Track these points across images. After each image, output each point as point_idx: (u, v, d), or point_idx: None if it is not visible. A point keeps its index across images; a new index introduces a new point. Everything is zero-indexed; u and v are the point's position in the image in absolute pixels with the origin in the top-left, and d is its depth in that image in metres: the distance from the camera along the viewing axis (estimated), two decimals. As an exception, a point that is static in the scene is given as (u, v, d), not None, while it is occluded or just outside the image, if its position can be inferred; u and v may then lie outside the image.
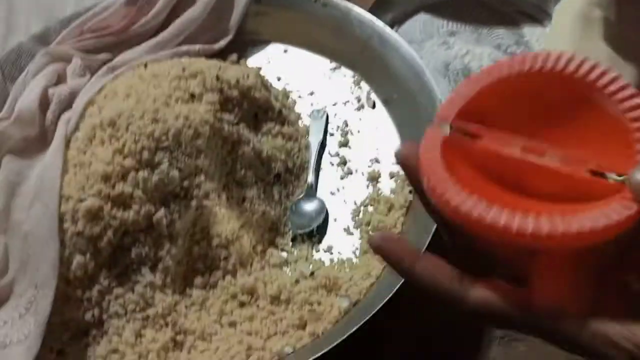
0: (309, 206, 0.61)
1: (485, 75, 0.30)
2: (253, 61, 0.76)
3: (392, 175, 0.63)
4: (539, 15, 0.81)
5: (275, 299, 0.54)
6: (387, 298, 0.47)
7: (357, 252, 0.58)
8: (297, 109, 0.70)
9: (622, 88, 0.27)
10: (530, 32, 0.80)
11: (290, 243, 0.60)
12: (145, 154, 0.52)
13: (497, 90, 0.29)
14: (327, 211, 0.61)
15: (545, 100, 0.29)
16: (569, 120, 0.29)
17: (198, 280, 0.54)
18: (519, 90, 0.29)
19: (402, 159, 0.30)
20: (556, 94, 0.29)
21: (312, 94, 0.72)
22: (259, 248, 0.58)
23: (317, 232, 0.60)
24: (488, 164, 0.28)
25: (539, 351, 0.55)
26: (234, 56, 0.74)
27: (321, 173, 0.65)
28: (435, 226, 0.50)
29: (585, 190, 0.27)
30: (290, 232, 0.60)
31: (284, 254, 0.59)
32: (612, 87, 0.27)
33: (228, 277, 0.54)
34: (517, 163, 0.28)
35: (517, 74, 0.29)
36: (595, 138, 0.28)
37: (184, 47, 0.71)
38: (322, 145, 0.67)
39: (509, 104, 0.29)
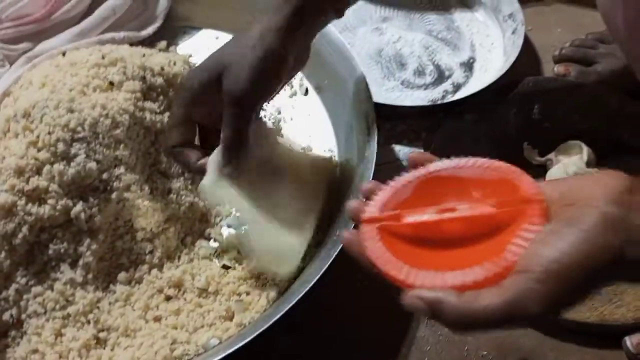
0: None
1: (395, 182, 0.39)
2: (184, 48, 0.74)
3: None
4: (469, 1, 0.82)
5: (203, 292, 0.53)
6: (310, 285, 0.47)
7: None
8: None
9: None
10: (461, 18, 0.81)
11: (223, 232, 0.59)
12: (61, 146, 0.50)
13: (405, 190, 0.38)
14: None
15: (441, 190, 0.38)
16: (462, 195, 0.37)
17: (122, 275, 0.52)
18: (420, 188, 0.38)
19: (347, 248, 0.38)
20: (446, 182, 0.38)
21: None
22: (189, 240, 0.57)
23: None
24: (415, 232, 0.36)
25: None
26: (162, 43, 0.72)
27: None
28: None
29: (494, 223, 0.34)
30: (222, 221, 0.60)
31: (215, 245, 0.58)
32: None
33: (154, 271, 0.53)
34: (436, 224, 0.35)
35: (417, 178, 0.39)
36: (485, 193, 0.37)
37: (108, 35, 0.69)
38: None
39: (416, 196, 0.38)
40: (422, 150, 0.42)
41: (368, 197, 0.39)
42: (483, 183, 0.37)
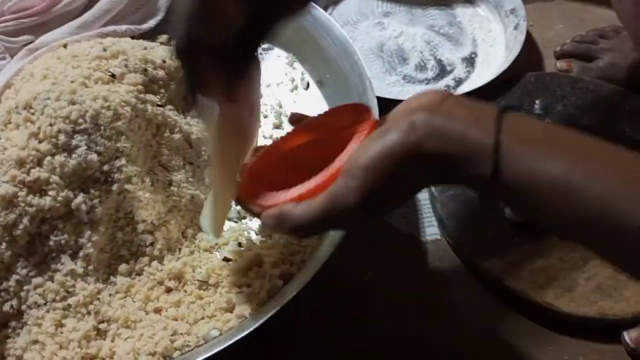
0: None
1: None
2: (185, 42, 0.74)
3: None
4: (471, -4, 0.83)
5: (203, 284, 0.53)
6: (311, 277, 0.47)
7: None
8: (229, 90, 0.68)
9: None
10: (463, 13, 0.81)
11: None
12: (62, 138, 0.50)
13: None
14: None
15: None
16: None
17: (123, 267, 0.52)
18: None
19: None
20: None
21: (245, 76, 0.71)
22: (190, 232, 0.57)
23: None
24: (281, 162, 0.45)
25: (463, 321, 0.56)
26: (164, 37, 0.72)
27: (254, 156, 0.65)
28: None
29: (336, 148, 0.39)
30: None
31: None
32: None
33: (154, 263, 0.53)
34: (293, 152, 0.45)
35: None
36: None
37: (109, 28, 0.68)
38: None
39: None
40: (300, 112, 0.50)
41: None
42: (339, 119, 0.43)
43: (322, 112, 0.47)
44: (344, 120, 0.42)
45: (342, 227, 0.43)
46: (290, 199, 0.39)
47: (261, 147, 0.49)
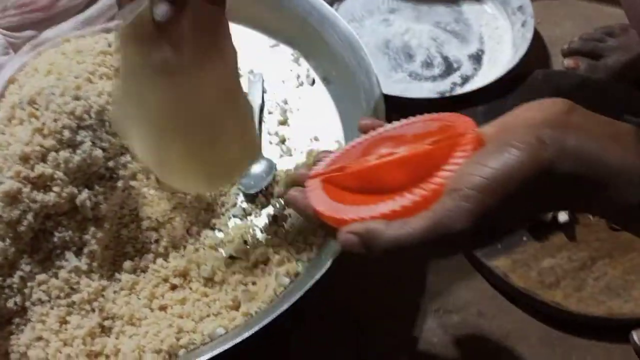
0: (257, 167, 0.60)
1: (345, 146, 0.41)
2: (189, 38, 0.73)
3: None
4: (478, -8, 0.82)
5: (209, 281, 0.52)
6: (319, 276, 0.46)
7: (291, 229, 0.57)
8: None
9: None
10: (469, 10, 0.81)
11: (228, 223, 0.58)
12: (66, 133, 0.50)
13: (353, 151, 0.40)
14: (275, 167, 0.61)
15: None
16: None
17: (127, 264, 0.52)
18: (368, 148, 0.39)
19: (291, 204, 0.39)
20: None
21: (251, 71, 0.70)
22: (194, 229, 0.57)
23: (265, 191, 0.59)
24: (358, 182, 0.37)
25: (470, 321, 0.56)
26: (168, 33, 0.71)
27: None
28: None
29: (431, 162, 0.34)
30: (228, 212, 0.59)
31: (220, 235, 0.58)
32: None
33: (159, 260, 0.53)
34: (377, 171, 0.35)
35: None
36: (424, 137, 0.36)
37: (114, 23, 0.68)
38: (261, 109, 0.67)
39: (364, 155, 0.38)
40: (372, 118, 0.43)
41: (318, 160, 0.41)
42: (426, 132, 0.37)
43: (398, 122, 0.40)
44: (432, 132, 0.37)
45: (443, 253, 0.37)
46: (381, 215, 0.33)
47: (327, 152, 0.42)
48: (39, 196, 0.49)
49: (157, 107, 0.44)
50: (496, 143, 0.32)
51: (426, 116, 0.39)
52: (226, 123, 0.48)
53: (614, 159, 0.30)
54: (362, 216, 0.33)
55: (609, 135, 0.31)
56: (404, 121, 0.40)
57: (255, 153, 0.54)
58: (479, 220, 0.30)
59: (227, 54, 0.46)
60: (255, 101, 0.66)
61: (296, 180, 0.40)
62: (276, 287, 0.51)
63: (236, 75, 0.48)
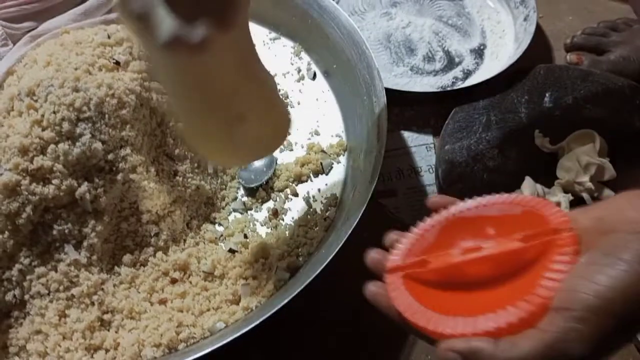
0: (257, 162, 0.61)
1: (418, 229, 0.38)
2: (189, 31, 0.73)
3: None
4: (480, -14, 0.81)
5: (209, 275, 0.52)
6: (318, 271, 0.46)
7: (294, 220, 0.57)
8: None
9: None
10: (471, 4, 0.80)
11: (228, 217, 0.58)
12: (66, 125, 0.49)
13: (428, 235, 0.37)
14: (276, 162, 0.61)
15: (465, 231, 0.36)
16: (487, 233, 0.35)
17: (127, 257, 0.52)
18: (444, 232, 0.37)
19: (373, 301, 0.37)
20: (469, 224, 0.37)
21: (251, 65, 0.70)
22: (195, 223, 0.57)
23: (266, 185, 0.59)
24: (441, 278, 0.35)
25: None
26: (168, 25, 0.71)
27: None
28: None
29: (523, 259, 0.32)
30: (228, 206, 0.59)
31: (220, 229, 0.57)
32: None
33: (159, 254, 0.52)
34: (462, 267, 0.33)
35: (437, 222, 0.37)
36: (510, 229, 0.34)
37: (113, 15, 0.67)
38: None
39: (441, 240, 0.36)
40: (442, 196, 0.40)
41: (391, 246, 0.38)
42: (508, 219, 0.35)
43: (473, 200, 0.37)
44: (517, 220, 0.34)
45: None
46: (484, 333, 0.30)
47: (398, 233, 0.39)
48: (38, 189, 0.48)
49: (178, 82, 0.43)
50: (600, 251, 0.29)
51: (505, 197, 0.36)
52: (249, 98, 0.46)
53: None
54: (464, 332, 0.30)
55: None
56: (479, 200, 0.37)
57: (286, 128, 0.52)
58: (596, 343, 0.28)
59: (243, 28, 0.42)
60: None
61: (373, 268, 0.38)
62: (276, 281, 0.51)
63: (254, 50, 0.45)
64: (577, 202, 0.60)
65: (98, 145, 0.50)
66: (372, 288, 0.36)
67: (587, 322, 0.28)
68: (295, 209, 0.58)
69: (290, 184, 0.60)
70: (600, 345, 0.28)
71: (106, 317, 0.49)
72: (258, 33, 0.72)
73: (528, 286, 0.30)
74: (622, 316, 0.28)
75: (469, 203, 0.37)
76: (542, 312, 0.29)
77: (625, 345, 0.32)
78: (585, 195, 0.60)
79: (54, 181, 0.48)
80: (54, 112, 0.49)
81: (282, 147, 0.64)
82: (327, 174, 0.60)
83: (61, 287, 0.48)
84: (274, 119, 0.50)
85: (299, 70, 0.69)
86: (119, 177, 0.51)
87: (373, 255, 0.37)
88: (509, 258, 0.32)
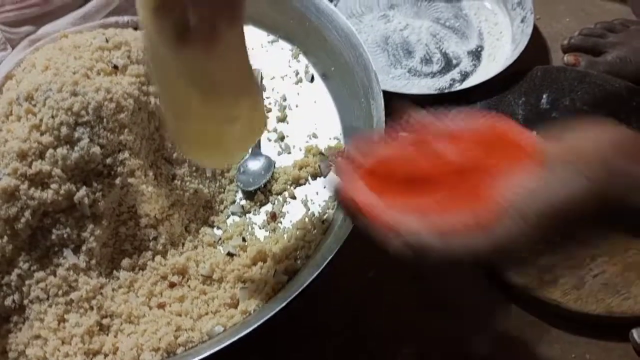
0: (255, 164, 0.61)
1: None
2: (188, 34, 0.73)
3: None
4: (478, -12, 0.81)
5: (207, 279, 0.52)
6: (316, 274, 0.46)
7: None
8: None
9: None
10: (469, 6, 0.80)
11: (227, 220, 0.58)
12: (64, 130, 0.49)
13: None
14: (274, 165, 0.61)
15: None
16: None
17: (126, 261, 0.52)
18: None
19: (334, 193, 0.38)
20: None
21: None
22: (193, 227, 0.57)
23: (264, 188, 0.60)
24: (401, 176, 0.36)
25: (467, 319, 0.56)
26: (166, 29, 0.71)
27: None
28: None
29: (480, 168, 0.34)
30: (226, 209, 0.59)
31: (219, 232, 0.57)
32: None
33: (158, 258, 0.52)
34: (423, 166, 0.36)
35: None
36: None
37: (112, 19, 0.67)
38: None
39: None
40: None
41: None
42: (478, 134, 0.36)
43: (447, 114, 0.39)
44: (483, 133, 0.36)
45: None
46: (437, 230, 0.32)
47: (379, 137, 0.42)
48: (37, 193, 0.48)
49: (183, 82, 0.44)
50: (565, 168, 0.32)
51: (480, 115, 0.38)
52: (241, 97, 0.47)
53: None
54: (418, 228, 0.33)
55: None
56: (453, 115, 0.39)
57: (262, 128, 0.54)
58: (538, 241, 0.32)
59: (239, 27, 0.43)
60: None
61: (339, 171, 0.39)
62: (274, 284, 0.51)
63: (246, 49, 0.47)
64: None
65: (96, 149, 0.50)
66: (337, 184, 0.38)
67: (534, 224, 0.31)
68: (293, 212, 0.58)
69: (289, 187, 0.60)
70: (540, 247, 0.32)
71: (105, 321, 0.49)
72: (256, 36, 0.72)
73: (484, 191, 0.33)
74: (565, 222, 0.31)
75: (444, 119, 0.39)
76: (494, 217, 0.32)
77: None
78: (582, 196, 0.60)
79: (52, 186, 0.49)
80: (53, 117, 0.50)
81: (280, 150, 0.64)
82: (325, 177, 0.61)
83: (60, 292, 0.49)
84: (257, 120, 0.52)
85: (297, 73, 0.70)
86: (118, 181, 0.51)
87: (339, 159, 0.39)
88: (471, 167, 0.34)
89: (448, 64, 0.75)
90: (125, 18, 0.69)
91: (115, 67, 0.55)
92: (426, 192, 0.35)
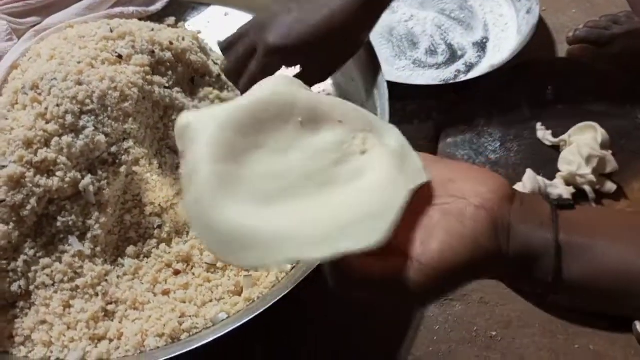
0: None
1: None
2: (192, 24, 0.73)
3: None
4: (483, -21, 0.81)
5: (211, 267, 0.52)
6: (318, 262, 0.46)
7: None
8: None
9: None
10: (474, -3, 0.80)
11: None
12: (69, 118, 0.50)
13: None
14: None
15: None
16: None
17: (131, 249, 0.52)
18: None
19: None
20: None
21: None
22: (197, 216, 0.57)
23: None
24: None
25: (472, 309, 0.56)
26: (171, 19, 0.71)
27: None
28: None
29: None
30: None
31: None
32: None
33: (162, 246, 0.53)
34: None
35: None
36: None
37: (117, 9, 0.68)
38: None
39: None
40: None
41: None
42: None
43: None
44: None
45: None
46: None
47: None
48: (42, 181, 0.49)
49: None
50: (451, 215, 0.32)
51: None
52: None
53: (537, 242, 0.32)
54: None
55: (538, 223, 0.32)
56: None
57: None
58: (423, 294, 0.32)
59: None
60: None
61: None
62: (278, 272, 0.51)
63: None
64: (579, 194, 0.60)
65: (101, 137, 0.50)
66: None
67: (426, 277, 0.31)
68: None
69: (293, 176, 0.60)
70: (427, 295, 0.32)
71: (110, 307, 0.49)
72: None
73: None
74: (455, 278, 0.32)
75: None
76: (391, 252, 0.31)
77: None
78: (587, 187, 0.60)
79: (58, 173, 0.49)
80: (58, 105, 0.50)
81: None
82: None
83: (66, 278, 0.49)
84: None
85: (301, 64, 0.70)
86: (122, 169, 0.51)
87: None
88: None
89: (453, 55, 0.74)
90: (131, 9, 0.69)
91: (120, 56, 0.55)
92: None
